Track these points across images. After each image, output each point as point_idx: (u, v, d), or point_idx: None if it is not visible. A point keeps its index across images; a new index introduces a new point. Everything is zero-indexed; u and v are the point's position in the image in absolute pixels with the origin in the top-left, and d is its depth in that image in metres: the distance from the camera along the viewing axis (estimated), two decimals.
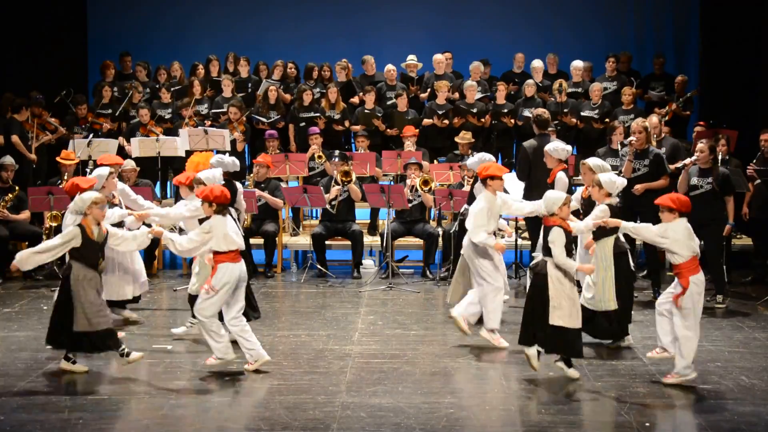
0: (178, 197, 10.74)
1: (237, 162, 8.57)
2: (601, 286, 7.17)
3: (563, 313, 6.47)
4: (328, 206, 10.45)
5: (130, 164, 10.40)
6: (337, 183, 10.49)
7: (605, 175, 7.34)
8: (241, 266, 6.71)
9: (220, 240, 6.62)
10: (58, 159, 10.45)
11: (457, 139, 11.53)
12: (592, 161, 7.82)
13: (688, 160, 8.88)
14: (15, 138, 11.13)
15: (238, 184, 8.70)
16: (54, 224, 9.98)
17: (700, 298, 6.49)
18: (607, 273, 7.18)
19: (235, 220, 7.35)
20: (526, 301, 6.73)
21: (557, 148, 8.58)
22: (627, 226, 6.81)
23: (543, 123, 9.51)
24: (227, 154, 9.49)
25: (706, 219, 8.60)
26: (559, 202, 6.56)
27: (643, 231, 6.70)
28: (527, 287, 6.96)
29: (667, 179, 9.14)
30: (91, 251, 6.61)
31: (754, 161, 9.89)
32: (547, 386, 6.48)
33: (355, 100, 12.86)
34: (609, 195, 7.21)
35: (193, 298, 7.49)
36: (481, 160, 8.67)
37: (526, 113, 12.22)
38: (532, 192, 9.33)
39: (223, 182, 7.63)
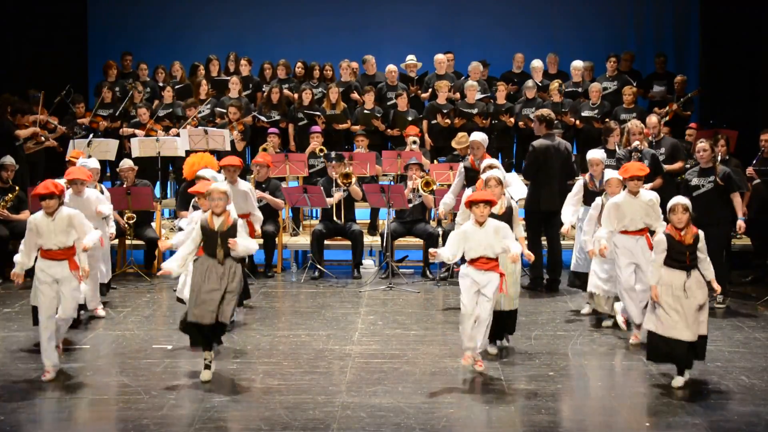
0: (177, 197, 10.79)
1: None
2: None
3: None
4: (331, 209, 10.44)
5: (127, 164, 10.40)
6: (337, 185, 10.47)
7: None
8: None
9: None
10: (67, 157, 10.43)
11: (453, 144, 11.50)
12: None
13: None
14: (21, 132, 11.12)
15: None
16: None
17: None
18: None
19: None
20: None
21: None
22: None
23: (550, 122, 9.55)
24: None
25: (708, 219, 8.59)
26: None
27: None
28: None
29: (661, 179, 9.17)
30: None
31: (754, 162, 9.89)
32: (548, 386, 6.47)
33: (357, 98, 12.87)
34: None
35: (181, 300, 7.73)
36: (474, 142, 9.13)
37: (525, 113, 12.26)
38: (539, 191, 9.32)
39: None
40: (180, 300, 7.80)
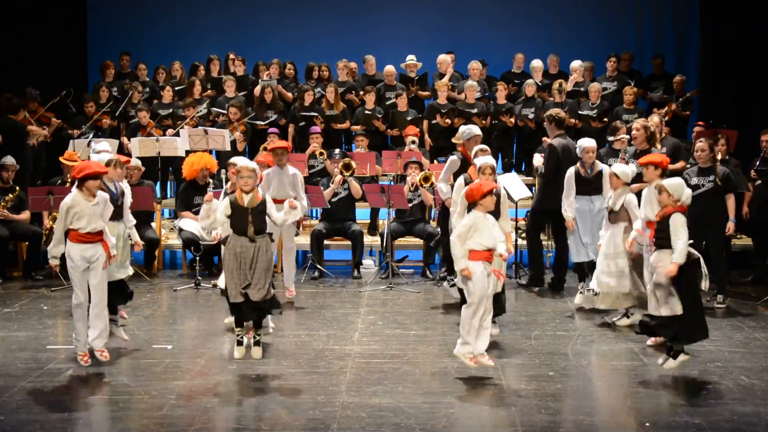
0: (177, 197, 10.80)
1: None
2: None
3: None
4: (327, 203, 10.42)
5: (134, 162, 10.39)
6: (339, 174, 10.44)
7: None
8: None
9: None
10: (61, 159, 10.43)
11: (453, 140, 11.53)
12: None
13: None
14: (31, 128, 11.17)
15: None
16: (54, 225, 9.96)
17: None
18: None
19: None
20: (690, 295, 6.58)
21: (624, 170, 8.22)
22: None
23: (560, 122, 9.53)
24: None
25: (708, 219, 8.59)
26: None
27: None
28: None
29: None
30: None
31: (758, 163, 9.89)
32: (548, 386, 6.47)
33: (354, 99, 12.87)
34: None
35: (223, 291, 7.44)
36: (469, 133, 8.77)
37: (525, 113, 12.27)
38: (555, 190, 9.17)
39: None
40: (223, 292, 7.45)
